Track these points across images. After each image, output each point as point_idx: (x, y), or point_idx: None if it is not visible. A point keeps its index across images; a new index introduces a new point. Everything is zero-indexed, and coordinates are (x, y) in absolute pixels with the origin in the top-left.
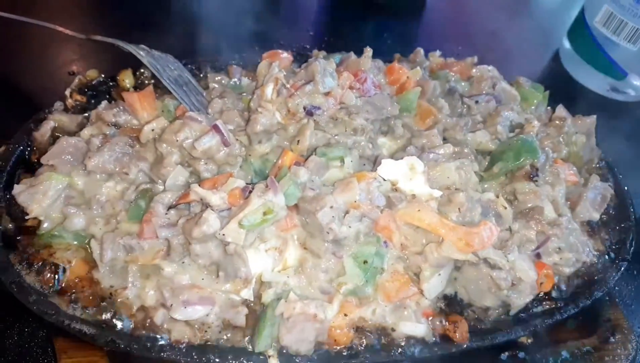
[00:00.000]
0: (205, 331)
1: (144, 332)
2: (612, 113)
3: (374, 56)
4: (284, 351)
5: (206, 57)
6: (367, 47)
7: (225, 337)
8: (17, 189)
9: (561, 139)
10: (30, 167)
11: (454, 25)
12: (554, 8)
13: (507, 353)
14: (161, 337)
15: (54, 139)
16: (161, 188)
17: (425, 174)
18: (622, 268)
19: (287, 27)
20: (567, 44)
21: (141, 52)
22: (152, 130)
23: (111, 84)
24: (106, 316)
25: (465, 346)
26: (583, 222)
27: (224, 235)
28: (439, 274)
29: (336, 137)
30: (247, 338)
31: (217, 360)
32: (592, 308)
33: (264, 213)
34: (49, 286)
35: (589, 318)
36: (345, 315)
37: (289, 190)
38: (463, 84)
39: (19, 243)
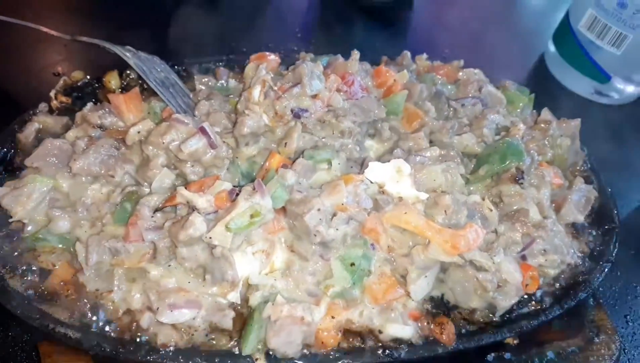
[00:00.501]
0: (192, 334)
1: (129, 335)
2: (597, 116)
3: (362, 59)
4: (271, 354)
5: (193, 59)
6: (355, 50)
7: (212, 341)
8: (0, 192)
9: (546, 142)
10: (14, 169)
11: (440, 28)
12: (539, 12)
13: (493, 355)
14: (147, 341)
15: (38, 141)
16: (147, 190)
17: (411, 177)
18: (606, 270)
19: (274, 29)
20: (552, 47)
21: (127, 54)
22: (138, 132)
23: (97, 85)
24: (91, 320)
25: (451, 348)
26: (568, 224)
27: (210, 238)
28: (426, 276)
29: (323, 139)
30: (234, 342)
31: None
32: (577, 309)
33: (251, 216)
34: (33, 290)
35: (574, 319)
36: (333, 317)
37: (276, 193)
38: (449, 87)
39: (2, 246)
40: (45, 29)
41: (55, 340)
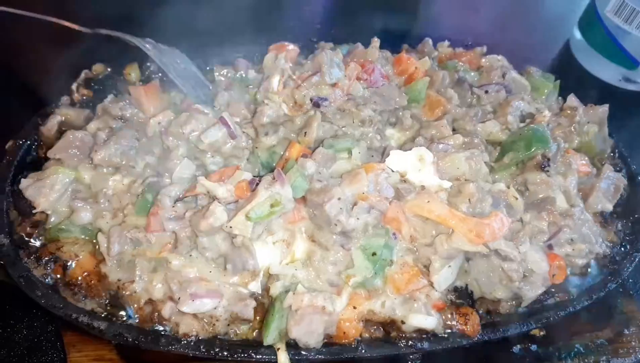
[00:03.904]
0: (214, 324)
1: (151, 325)
2: (624, 103)
3: (382, 47)
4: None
5: (212, 50)
6: (375, 37)
7: (233, 330)
8: (24, 183)
9: (573, 129)
10: (37, 161)
11: (462, 15)
12: None
13: (519, 346)
14: (169, 330)
15: (60, 133)
16: (168, 181)
17: (434, 165)
18: (636, 260)
19: (293, 19)
20: (577, 33)
21: (147, 46)
22: (159, 123)
23: (117, 78)
24: (114, 309)
25: (476, 339)
26: (596, 213)
27: (231, 227)
28: (449, 266)
29: (343, 128)
30: (255, 331)
31: (225, 353)
32: (606, 300)
33: (271, 206)
34: (57, 280)
35: (603, 310)
36: (354, 307)
37: (296, 182)
38: (472, 74)
39: (26, 237)
40: (66, 23)
41: (79, 330)
